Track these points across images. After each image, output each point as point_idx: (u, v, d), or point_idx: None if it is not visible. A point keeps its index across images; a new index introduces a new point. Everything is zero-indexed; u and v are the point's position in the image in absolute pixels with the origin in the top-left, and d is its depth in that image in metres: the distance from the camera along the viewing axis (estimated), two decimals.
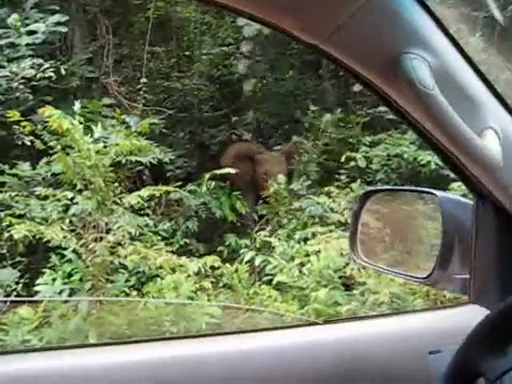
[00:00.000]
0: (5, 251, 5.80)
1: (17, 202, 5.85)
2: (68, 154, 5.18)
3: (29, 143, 5.94)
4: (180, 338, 1.89)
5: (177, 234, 6.92)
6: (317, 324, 1.58)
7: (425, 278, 1.39)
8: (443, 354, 1.37)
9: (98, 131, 5.25)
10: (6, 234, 5.39)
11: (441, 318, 1.60)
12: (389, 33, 1.03)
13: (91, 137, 5.26)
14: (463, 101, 1.11)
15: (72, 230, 5.29)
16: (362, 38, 1.04)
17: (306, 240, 6.34)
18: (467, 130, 1.08)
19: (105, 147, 5.24)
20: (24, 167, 6.32)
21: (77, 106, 5.32)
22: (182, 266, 4.96)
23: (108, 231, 5.10)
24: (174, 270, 5.03)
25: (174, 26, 9.34)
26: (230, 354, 1.40)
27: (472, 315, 1.29)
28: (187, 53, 9.43)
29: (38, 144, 5.24)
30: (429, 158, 6.75)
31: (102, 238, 4.88)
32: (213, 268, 5.45)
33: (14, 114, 5.15)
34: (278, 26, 1.03)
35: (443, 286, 1.56)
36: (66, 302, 5.05)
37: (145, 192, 5.49)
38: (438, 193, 1.45)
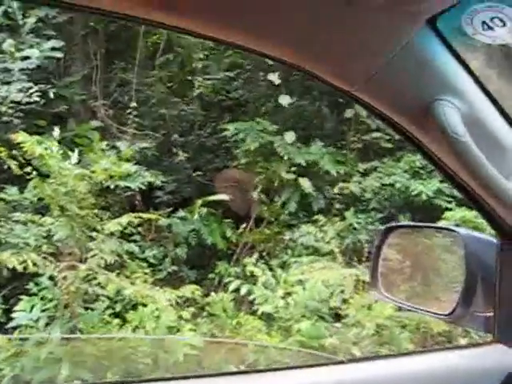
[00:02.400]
0: None
1: (1, 226, 5.80)
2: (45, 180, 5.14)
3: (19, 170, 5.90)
4: (191, 377, 1.85)
5: (165, 260, 6.85)
6: (342, 363, 1.57)
7: (447, 314, 1.38)
8: None
9: (74, 157, 5.20)
10: None
11: (466, 357, 1.57)
12: (421, 80, 1.06)
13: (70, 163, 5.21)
14: (493, 146, 1.13)
15: (51, 255, 5.22)
16: (395, 85, 1.06)
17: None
18: (497, 175, 1.10)
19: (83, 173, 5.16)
20: (12, 191, 6.30)
21: (56, 131, 5.29)
22: (151, 297, 4.83)
23: (85, 259, 5.02)
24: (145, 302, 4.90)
25: (176, 51, 9.38)
26: None
27: (496, 355, 1.33)
28: (189, 77, 9.45)
29: (16, 169, 5.20)
30: (421, 188, 6.65)
31: (74, 266, 4.79)
32: (187, 299, 5.32)
33: None
34: (310, 72, 1.06)
35: (466, 323, 1.53)
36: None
37: (125, 219, 5.41)
38: (461, 230, 1.46)
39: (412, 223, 2.12)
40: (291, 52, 1.03)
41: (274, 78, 7.31)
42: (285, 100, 7.26)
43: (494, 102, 1.12)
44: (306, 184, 6.84)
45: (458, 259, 1.41)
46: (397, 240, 1.63)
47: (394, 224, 1.70)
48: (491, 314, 1.37)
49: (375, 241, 1.67)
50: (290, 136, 7.02)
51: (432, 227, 1.86)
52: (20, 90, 6.65)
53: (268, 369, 2.07)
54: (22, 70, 6.60)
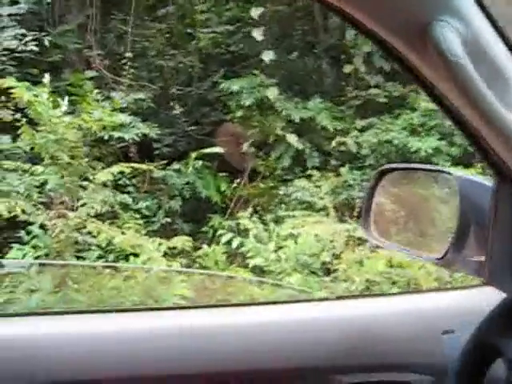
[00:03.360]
0: None
1: None
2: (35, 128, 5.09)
3: (8, 116, 5.84)
4: (194, 307, 1.92)
5: (159, 212, 6.85)
6: (329, 299, 1.61)
7: (439, 258, 1.35)
8: (457, 334, 1.37)
9: (64, 105, 5.13)
10: None
11: (455, 298, 1.60)
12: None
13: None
14: (494, 75, 1.05)
15: (43, 204, 5.21)
16: (390, 2, 0.99)
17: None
18: (496, 104, 1.01)
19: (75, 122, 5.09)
20: (3, 139, 6.25)
21: (46, 78, 5.21)
22: (140, 246, 4.84)
23: (77, 208, 5.02)
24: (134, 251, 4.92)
25: (177, 3, 9.21)
26: (243, 325, 1.42)
27: (486, 297, 1.31)
28: (189, 30, 9.28)
29: (6, 117, 5.15)
30: (419, 144, 6.59)
31: (64, 215, 4.79)
32: (180, 251, 5.34)
33: None
34: None
35: (457, 267, 1.52)
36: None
37: (116, 168, 5.38)
38: (456, 172, 1.42)
39: (405, 165, 2.09)
40: None
41: (257, 34, 7.17)
42: (268, 56, 7.13)
43: (497, 27, 1.05)
44: (293, 140, 6.77)
45: (451, 202, 1.38)
46: (391, 182, 1.61)
47: (387, 166, 1.67)
48: (483, 258, 1.34)
49: (369, 183, 1.65)
50: (273, 91, 6.92)
51: (427, 170, 1.83)
52: (14, 37, 6.52)
53: (255, 303, 2.11)
54: (11, 15, 6.46)
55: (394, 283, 5.62)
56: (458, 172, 1.45)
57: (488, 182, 1.33)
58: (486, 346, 1.09)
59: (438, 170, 1.64)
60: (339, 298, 1.71)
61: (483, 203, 1.31)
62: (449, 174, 1.43)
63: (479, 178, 1.43)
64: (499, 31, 1.05)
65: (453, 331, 1.41)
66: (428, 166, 1.89)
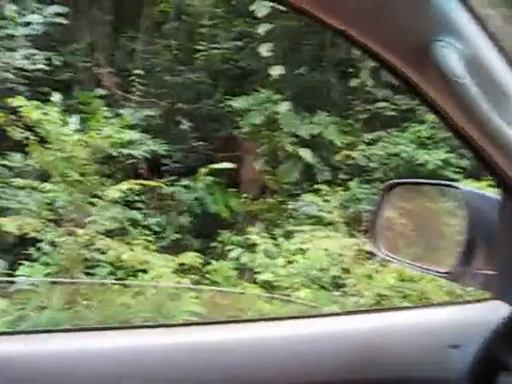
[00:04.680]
0: None
1: (3, 192, 5.84)
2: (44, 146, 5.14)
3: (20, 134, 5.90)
4: (203, 323, 1.91)
5: (168, 228, 6.87)
6: (338, 315, 1.56)
7: (447, 272, 1.35)
8: (465, 348, 1.36)
9: (73, 123, 5.18)
10: None
11: (463, 312, 1.57)
12: (419, 19, 0.99)
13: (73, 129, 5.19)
14: (494, 92, 1.06)
15: (53, 221, 5.25)
16: (390, 24, 0.99)
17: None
18: (497, 121, 1.03)
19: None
20: (15, 157, 6.31)
21: (55, 96, 5.27)
22: (149, 262, 4.85)
23: (86, 225, 5.05)
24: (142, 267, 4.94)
25: (185, 20, 9.30)
26: (251, 341, 1.41)
27: (495, 311, 1.30)
28: (196, 46, 9.36)
29: (16, 135, 5.20)
30: (427, 157, 6.57)
31: (74, 232, 4.81)
32: (190, 267, 5.35)
33: None
34: (300, 8, 0.99)
35: (466, 281, 1.51)
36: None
37: (125, 185, 5.41)
38: (463, 186, 1.40)
39: (413, 180, 2.07)
40: None
41: (264, 50, 7.22)
42: (276, 71, 7.16)
43: (497, 44, 1.06)
44: (306, 155, 6.79)
45: (459, 216, 1.36)
46: (398, 196, 1.60)
47: (394, 181, 1.66)
48: (491, 272, 1.33)
49: (377, 198, 1.65)
50: (283, 106, 6.94)
51: (434, 184, 1.83)
52: (25, 57, 6.62)
53: (266, 318, 2.10)
54: (25, 36, 6.56)
55: (404, 297, 5.59)
56: (466, 186, 1.44)
57: (495, 195, 1.32)
58: (492, 360, 1.09)
59: (446, 184, 1.61)
60: (348, 312, 1.71)
61: (491, 217, 1.31)
62: (456, 187, 1.43)
63: (487, 191, 1.42)
64: (499, 49, 1.06)
65: (460, 345, 1.38)
66: (435, 181, 1.87)
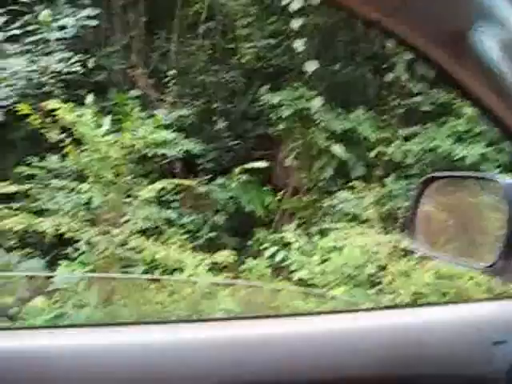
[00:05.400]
0: (34, 241, 5.98)
1: (42, 194, 5.97)
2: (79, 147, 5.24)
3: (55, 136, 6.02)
4: (223, 319, 1.91)
5: (204, 227, 6.91)
6: (376, 309, 1.56)
7: (488, 266, 1.31)
8: (509, 345, 1.35)
9: (107, 124, 5.26)
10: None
11: (505, 308, 1.55)
12: (456, 6, 0.97)
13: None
14: None
15: (89, 221, 5.34)
16: (427, 12, 0.97)
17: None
18: None
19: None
20: (52, 160, 6.45)
21: (89, 98, 5.36)
22: (184, 261, 4.89)
23: (121, 224, 5.12)
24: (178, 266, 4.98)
25: (219, 19, 9.34)
26: (291, 335, 1.40)
27: None
28: (231, 45, 9.39)
29: (52, 137, 5.30)
30: (465, 152, 6.43)
31: (109, 232, 4.89)
32: (225, 266, 5.37)
33: (24, 107, 5.22)
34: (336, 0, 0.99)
35: (508, 276, 1.44)
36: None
37: (159, 185, 5.47)
38: (503, 179, 1.37)
39: (452, 173, 2.02)
40: None
41: (299, 45, 7.17)
42: (311, 67, 7.11)
43: None
44: (340, 151, 6.73)
45: (500, 209, 1.33)
46: (436, 190, 1.58)
47: (432, 174, 1.63)
48: None
49: (414, 191, 1.61)
50: (317, 102, 6.89)
51: (472, 177, 1.79)
52: (60, 60, 6.74)
53: (302, 313, 2.09)
54: (59, 39, 6.69)
55: (442, 295, 5.49)
56: (506, 178, 1.38)
57: None
58: None
59: (485, 178, 1.60)
60: (387, 307, 1.69)
61: None
62: (496, 180, 1.39)
63: None
64: None
65: (504, 342, 1.37)
66: (474, 173, 1.84)
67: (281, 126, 7.35)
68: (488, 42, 0.95)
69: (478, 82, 1.03)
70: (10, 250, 5.90)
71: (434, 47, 1.02)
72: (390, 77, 7.04)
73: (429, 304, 2.81)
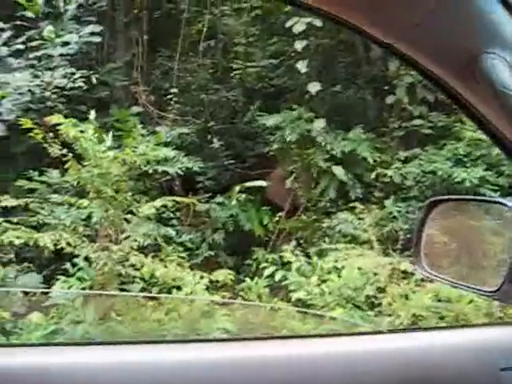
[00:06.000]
0: (32, 256, 5.95)
1: (42, 208, 5.96)
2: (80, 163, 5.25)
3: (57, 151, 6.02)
4: (223, 340, 1.89)
5: (202, 245, 6.89)
6: (382, 333, 1.59)
7: (493, 291, 1.30)
8: None
9: (108, 140, 5.27)
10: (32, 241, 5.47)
11: (510, 333, 1.56)
12: (467, 31, 0.99)
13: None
14: None
15: (87, 237, 5.33)
16: (439, 37, 1.00)
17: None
18: None
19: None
20: (53, 174, 6.44)
21: (92, 114, 5.38)
22: (182, 279, 4.87)
23: (120, 241, 5.11)
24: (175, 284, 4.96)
25: (220, 38, 9.40)
26: (293, 357, 1.40)
27: None
28: (233, 65, 9.44)
29: (54, 152, 5.31)
30: (464, 175, 6.44)
31: (108, 248, 4.87)
32: (223, 285, 5.35)
33: (27, 122, 5.24)
34: (348, 22, 1.00)
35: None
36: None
37: (159, 202, 5.46)
38: (508, 203, 1.36)
39: (457, 196, 2.02)
40: (329, 3, 0.97)
41: (302, 66, 7.23)
42: (314, 88, 7.16)
43: None
44: (340, 172, 6.75)
45: (504, 233, 1.35)
46: (441, 214, 1.56)
47: (438, 197, 1.63)
48: None
49: (419, 215, 1.61)
50: (319, 123, 6.94)
51: (479, 200, 1.79)
52: (63, 76, 6.78)
53: (308, 335, 2.07)
54: (62, 55, 6.73)
55: (441, 318, 5.46)
56: (510, 202, 1.37)
57: None
58: None
59: (490, 201, 1.61)
60: (390, 331, 1.67)
61: None
62: (503, 203, 1.38)
63: None
64: None
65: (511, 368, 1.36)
66: (479, 197, 1.83)
67: (281, 146, 7.37)
68: (499, 67, 0.96)
69: (489, 106, 1.05)
70: (7, 264, 5.86)
71: (445, 71, 1.03)
72: (390, 99, 7.08)
73: (434, 328, 2.79)
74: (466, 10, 0.96)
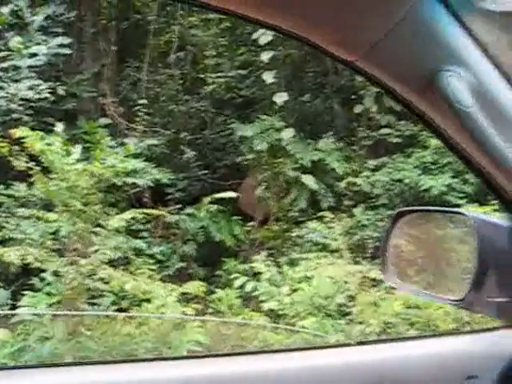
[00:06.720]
0: None
1: (7, 222, 5.85)
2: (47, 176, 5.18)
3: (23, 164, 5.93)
4: (210, 356, 1.87)
5: (173, 257, 6.85)
6: (350, 345, 1.57)
7: (459, 300, 1.32)
8: (482, 379, 1.36)
9: (77, 152, 5.21)
10: None
11: (476, 341, 1.56)
12: (426, 50, 1.02)
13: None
14: (501, 118, 1.07)
15: (56, 251, 5.25)
16: (398, 55, 1.02)
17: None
18: (505, 150, 1.04)
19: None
20: (20, 188, 6.34)
21: (59, 126, 5.32)
22: (152, 292, 4.83)
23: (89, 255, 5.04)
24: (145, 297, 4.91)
25: (189, 50, 9.40)
26: (261, 373, 1.39)
27: (508, 340, 1.31)
28: (201, 75, 9.44)
29: (19, 165, 5.23)
30: (432, 182, 6.54)
31: (76, 262, 4.81)
32: (194, 296, 5.32)
33: None
34: (310, 41, 1.02)
35: (478, 309, 1.47)
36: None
37: (128, 215, 5.42)
38: (471, 213, 1.39)
39: (422, 207, 2.06)
40: (291, 21, 0.98)
41: (268, 77, 7.28)
42: (280, 98, 7.21)
43: (504, 73, 1.07)
44: (310, 181, 6.80)
45: (469, 242, 1.35)
46: (407, 224, 1.59)
47: (404, 209, 1.65)
48: (504, 299, 1.31)
49: (386, 225, 1.64)
50: (288, 133, 6.99)
51: (442, 211, 1.82)
52: (30, 88, 6.70)
53: (277, 350, 2.06)
54: (30, 67, 6.66)
55: (411, 324, 5.52)
56: (474, 212, 1.42)
57: (504, 221, 1.31)
58: None
59: (454, 211, 1.63)
60: (359, 343, 1.69)
61: (501, 243, 1.29)
62: (465, 214, 1.42)
63: (495, 217, 1.42)
64: (506, 77, 1.06)
65: (477, 376, 1.37)
66: (444, 208, 1.87)
67: (250, 156, 7.39)
68: (456, 84, 0.99)
69: (447, 121, 1.08)
70: None
71: (404, 87, 1.06)
72: (358, 109, 7.16)
73: (399, 338, 2.83)
74: (422, 29, 0.98)
